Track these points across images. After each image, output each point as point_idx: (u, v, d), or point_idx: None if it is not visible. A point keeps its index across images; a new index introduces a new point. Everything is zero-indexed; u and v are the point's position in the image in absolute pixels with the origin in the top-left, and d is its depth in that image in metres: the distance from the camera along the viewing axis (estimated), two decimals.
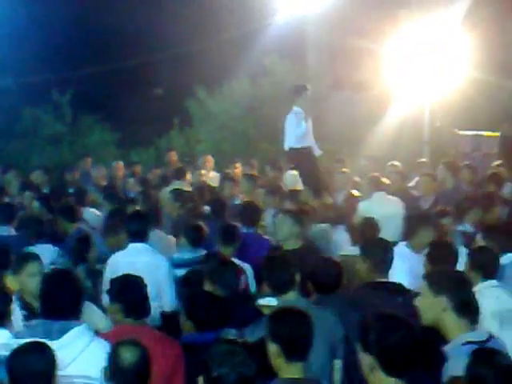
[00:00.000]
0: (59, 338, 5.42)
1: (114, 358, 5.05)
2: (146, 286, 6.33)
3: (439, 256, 7.34)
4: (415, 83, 16.52)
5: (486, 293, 6.75)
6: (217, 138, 19.78)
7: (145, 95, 21.60)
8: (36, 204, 11.74)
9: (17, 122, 21.05)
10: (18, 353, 5.02)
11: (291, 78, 19.76)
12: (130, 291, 6.15)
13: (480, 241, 7.86)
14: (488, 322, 6.52)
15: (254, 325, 6.49)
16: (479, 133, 17.99)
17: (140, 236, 8.52)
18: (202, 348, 5.07)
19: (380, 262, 7.13)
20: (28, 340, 5.27)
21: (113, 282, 6.49)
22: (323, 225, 10.20)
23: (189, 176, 14.91)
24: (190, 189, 13.15)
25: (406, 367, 4.40)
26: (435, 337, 5.48)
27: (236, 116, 19.90)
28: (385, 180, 12.61)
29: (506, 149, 16.12)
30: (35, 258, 7.37)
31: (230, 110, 20.05)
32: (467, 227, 9.81)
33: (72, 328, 5.53)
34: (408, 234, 8.61)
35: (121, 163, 16.94)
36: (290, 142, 14.06)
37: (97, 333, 5.90)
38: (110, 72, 20.39)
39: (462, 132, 18.10)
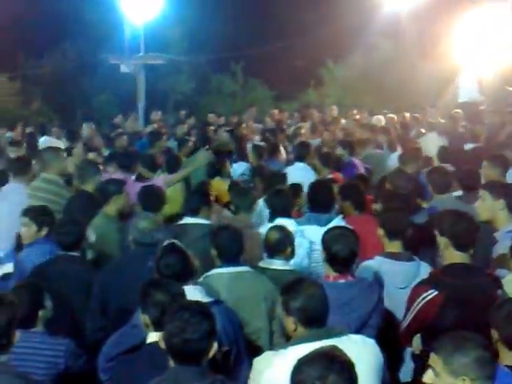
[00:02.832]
0: (326, 225, 5.34)
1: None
2: None
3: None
4: (480, 56, 15.81)
5: None
6: (339, 94, 19.55)
7: (291, 65, 21.43)
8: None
9: (207, 84, 21.42)
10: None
11: (389, 52, 19.50)
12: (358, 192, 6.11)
13: None
14: None
15: None
16: None
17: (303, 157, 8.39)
18: None
19: None
20: (307, 226, 5.43)
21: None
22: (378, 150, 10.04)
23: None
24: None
25: (469, 245, 4.30)
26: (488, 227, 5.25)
27: (352, 79, 19.63)
28: None
29: None
30: None
31: (348, 75, 19.82)
32: None
33: (334, 218, 5.59)
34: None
35: (275, 111, 16.73)
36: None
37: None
38: (267, 51, 20.29)
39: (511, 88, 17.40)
